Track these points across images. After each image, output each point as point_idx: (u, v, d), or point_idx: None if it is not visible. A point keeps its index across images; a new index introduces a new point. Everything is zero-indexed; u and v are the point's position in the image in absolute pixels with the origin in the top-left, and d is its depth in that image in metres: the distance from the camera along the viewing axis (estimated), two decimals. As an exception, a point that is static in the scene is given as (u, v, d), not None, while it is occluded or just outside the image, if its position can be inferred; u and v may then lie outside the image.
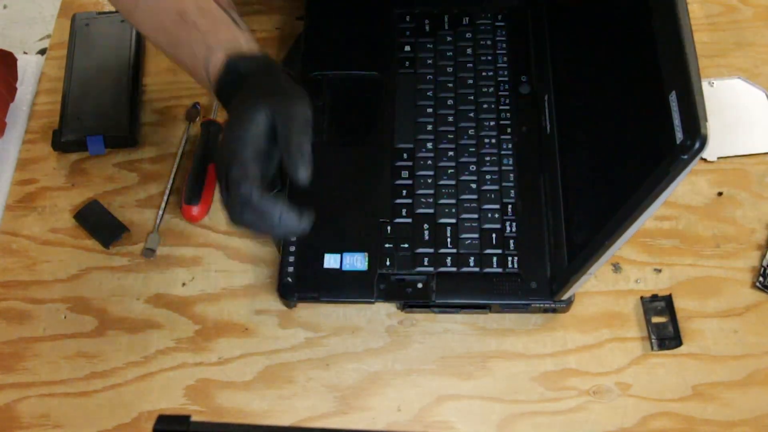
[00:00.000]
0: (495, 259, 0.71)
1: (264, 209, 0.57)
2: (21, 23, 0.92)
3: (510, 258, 0.71)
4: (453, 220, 0.73)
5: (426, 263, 0.71)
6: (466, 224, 0.72)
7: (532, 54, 0.80)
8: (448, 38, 0.82)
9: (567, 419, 0.68)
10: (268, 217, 0.57)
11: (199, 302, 0.74)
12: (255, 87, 0.61)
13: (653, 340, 0.70)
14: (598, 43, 0.66)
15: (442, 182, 0.74)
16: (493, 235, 0.72)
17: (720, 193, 0.77)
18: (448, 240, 0.72)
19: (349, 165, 0.76)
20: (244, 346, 0.72)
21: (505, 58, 0.81)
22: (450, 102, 0.79)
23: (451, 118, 0.78)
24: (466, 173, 0.75)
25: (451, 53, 0.81)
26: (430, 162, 0.75)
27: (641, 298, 0.72)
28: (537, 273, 0.70)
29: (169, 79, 0.85)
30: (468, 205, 0.73)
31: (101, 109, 0.81)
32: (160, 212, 0.78)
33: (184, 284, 0.75)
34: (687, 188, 0.77)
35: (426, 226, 0.72)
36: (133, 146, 0.81)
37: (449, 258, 0.71)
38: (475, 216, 0.73)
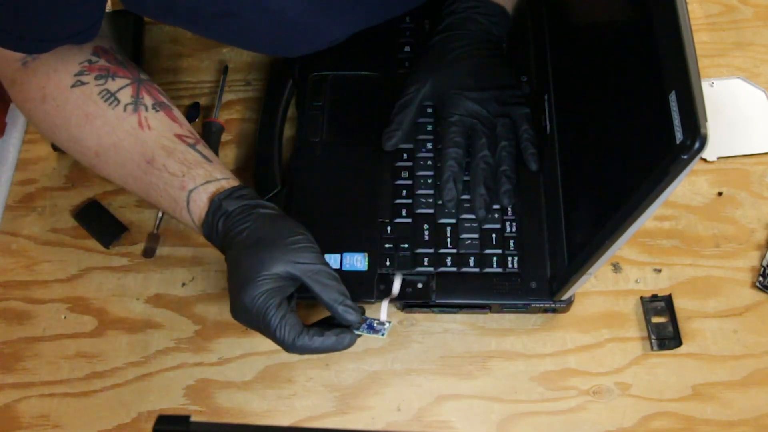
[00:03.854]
0: (495, 259, 0.71)
1: (318, 347, 0.60)
2: (21, 23, 0.92)
3: (510, 258, 0.71)
4: (453, 220, 0.73)
5: (426, 263, 0.71)
6: (466, 224, 0.72)
7: (532, 54, 0.80)
8: (448, 38, 0.82)
9: (567, 419, 0.68)
10: (326, 350, 0.61)
11: (199, 302, 0.74)
12: (254, 247, 0.61)
13: (653, 340, 0.70)
14: (598, 43, 0.66)
15: (442, 182, 0.74)
16: (493, 235, 0.72)
17: (720, 193, 0.77)
18: (448, 240, 0.72)
19: (349, 165, 0.76)
20: (244, 346, 0.72)
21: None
22: (450, 102, 0.79)
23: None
24: (466, 173, 0.75)
25: (451, 53, 0.81)
26: (430, 162, 0.75)
27: (641, 298, 0.72)
28: (537, 273, 0.70)
29: (169, 79, 0.85)
30: (468, 205, 0.73)
31: (101, 109, 0.81)
32: (160, 212, 0.78)
33: (184, 284, 0.75)
34: (687, 188, 0.77)
35: (426, 226, 0.72)
36: (133, 146, 0.81)
37: (449, 258, 0.71)
38: (475, 216, 0.73)
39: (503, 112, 0.74)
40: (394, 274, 0.70)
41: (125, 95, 0.65)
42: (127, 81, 0.66)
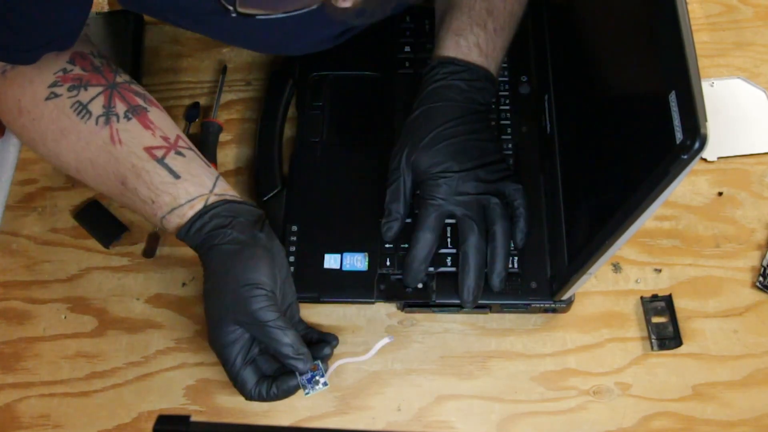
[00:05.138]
0: (495, 259, 0.71)
1: (280, 395, 0.64)
2: (21, 23, 0.92)
3: (510, 258, 0.71)
4: (453, 221, 0.72)
5: (426, 263, 0.71)
6: (466, 224, 0.72)
7: (532, 54, 0.80)
8: (448, 38, 0.82)
9: (567, 419, 0.68)
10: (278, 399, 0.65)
11: (199, 302, 0.74)
12: (212, 294, 0.63)
13: (653, 340, 0.70)
14: (598, 42, 0.66)
15: (442, 182, 0.74)
16: (493, 235, 0.71)
17: (720, 193, 0.77)
18: (448, 240, 0.72)
19: (349, 165, 0.76)
20: (244, 346, 0.72)
21: (505, 58, 0.81)
22: (450, 102, 0.78)
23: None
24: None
25: (451, 53, 0.81)
26: (430, 162, 0.75)
27: (641, 298, 0.72)
28: (537, 273, 0.70)
29: (169, 79, 0.85)
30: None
31: (101, 109, 0.81)
32: (160, 212, 0.78)
33: (184, 284, 0.75)
34: (687, 188, 0.77)
35: (426, 226, 0.72)
36: (133, 146, 0.81)
37: (449, 258, 0.71)
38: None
39: (490, 190, 0.69)
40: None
41: (97, 106, 0.64)
42: (100, 89, 0.65)
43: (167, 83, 0.85)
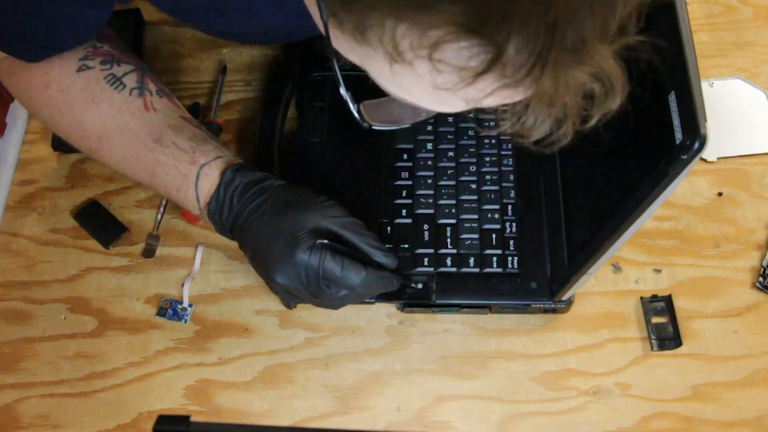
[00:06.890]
0: (495, 259, 0.71)
1: (381, 279, 0.63)
2: (21, 23, 0.92)
3: (510, 258, 0.71)
4: (453, 221, 0.73)
5: (426, 263, 0.71)
6: (466, 224, 0.72)
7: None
8: (448, 38, 0.82)
9: (567, 419, 0.68)
10: (383, 285, 0.64)
11: (199, 302, 0.74)
12: (286, 211, 0.62)
13: (653, 340, 0.70)
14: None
15: (442, 183, 0.74)
16: (493, 235, 0.72)
17: (720, 193, 0.77)
18: (448, 240, 0.72)
19: (349, 165, 0.76)
20: (244, 346, 0.72)
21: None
22: (450, 102, 0.79)
23: (450, 119, 0.78)
24: (466, 173, 0.75)
25: (451, 53, 0.81)
26: (430, 162, 0.75)
27: (641, 298, 0.72)
28: (537, 273, 0.70)
29: (169, 79, 0.85)
30: (468, 205, 0.73)
31: (101, 109, 0.81)
32: (160, 212, 0.78)
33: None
34: (687, 188, 0.77)
35: (426, 226, 0.72)
36: (133, 146, 0.81)
37: (449, 258, 0.71)
38: (475, 216, 0.73)
39: None
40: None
41: (131, 80, 0.66)
42: (132, 67, 0.67)
43: (167, 83, 0.84)
